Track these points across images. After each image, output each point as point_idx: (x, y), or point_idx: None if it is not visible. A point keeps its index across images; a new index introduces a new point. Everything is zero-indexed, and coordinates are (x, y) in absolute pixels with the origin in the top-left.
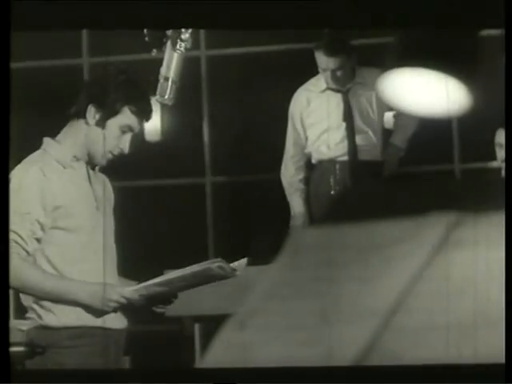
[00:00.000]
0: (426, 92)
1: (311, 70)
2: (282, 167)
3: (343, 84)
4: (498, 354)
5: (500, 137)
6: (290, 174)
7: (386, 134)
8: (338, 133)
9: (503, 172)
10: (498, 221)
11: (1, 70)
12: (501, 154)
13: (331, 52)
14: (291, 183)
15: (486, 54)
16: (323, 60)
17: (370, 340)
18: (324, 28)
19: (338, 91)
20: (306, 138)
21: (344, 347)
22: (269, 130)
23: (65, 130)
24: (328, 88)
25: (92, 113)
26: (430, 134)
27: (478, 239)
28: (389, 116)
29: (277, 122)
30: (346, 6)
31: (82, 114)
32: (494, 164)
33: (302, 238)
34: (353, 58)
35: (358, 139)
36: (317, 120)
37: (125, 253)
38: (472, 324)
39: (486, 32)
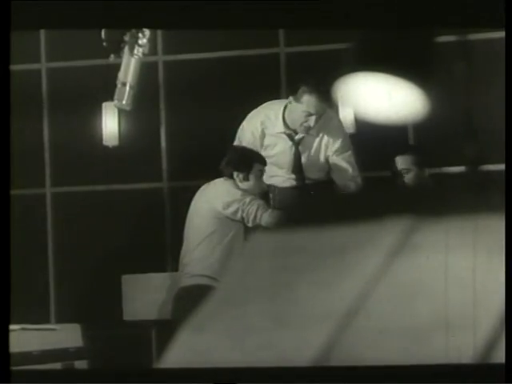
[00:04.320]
0: (381, 98)
1: (270, 76)
2: None
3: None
4: (455, 357)
5: (399, 163)
6: None
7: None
8: (287, 174)
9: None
10: (456, 225)
11: (0, 71)
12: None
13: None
14: None
15: (442, 59)
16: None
17: (325, 344)
18: (280, 28)
19: (291, 139)
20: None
21: (299, 351)
22: (226, 134)
23: None
24: (283, 132)
25: None
26: (387, 139)
27: (435, 244)
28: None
29: (234, 126)
30: (305, 7)
31: None
32: (455, 169)
33: (259, 242)
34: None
35: (308, 180)
36: (269, 152)
37: (85, 255)
38: (429, 327)
39: (442, 38)
